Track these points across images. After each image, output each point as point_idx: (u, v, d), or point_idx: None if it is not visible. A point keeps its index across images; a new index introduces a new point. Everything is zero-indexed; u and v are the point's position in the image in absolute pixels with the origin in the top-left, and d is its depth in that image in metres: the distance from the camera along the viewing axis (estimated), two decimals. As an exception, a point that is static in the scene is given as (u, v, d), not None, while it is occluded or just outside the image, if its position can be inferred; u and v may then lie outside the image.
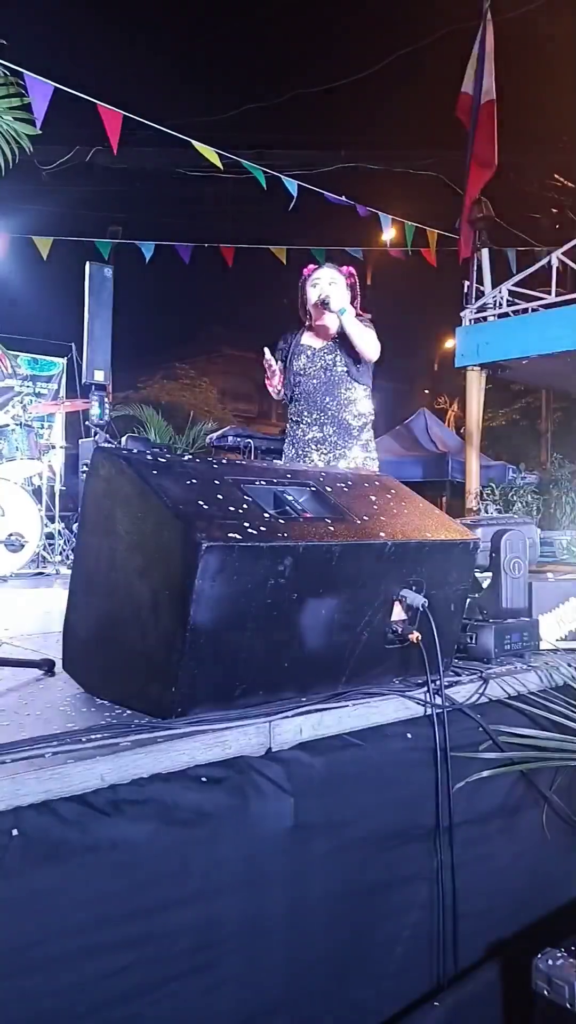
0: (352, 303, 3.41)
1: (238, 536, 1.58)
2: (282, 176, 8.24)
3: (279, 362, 3.46)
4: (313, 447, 3.38)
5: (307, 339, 3.47)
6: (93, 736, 1.45)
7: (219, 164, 7.26)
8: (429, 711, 1.83)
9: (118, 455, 1.77)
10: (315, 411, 3.38)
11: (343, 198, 8.90)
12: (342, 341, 3.38)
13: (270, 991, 1.46)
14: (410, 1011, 1.63)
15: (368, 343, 3.33)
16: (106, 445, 6.67)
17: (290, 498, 1.91)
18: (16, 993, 1.16)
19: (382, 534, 1.85)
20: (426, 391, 26.68)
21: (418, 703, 1.84)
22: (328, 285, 3.40)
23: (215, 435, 9.83)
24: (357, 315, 3.36)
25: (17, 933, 1.17)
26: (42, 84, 5.29)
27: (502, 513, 7.16)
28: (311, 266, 3.54)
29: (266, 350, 3.45)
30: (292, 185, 8.25)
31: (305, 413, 3.41)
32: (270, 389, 3.53)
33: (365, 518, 1.91)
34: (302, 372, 3.42)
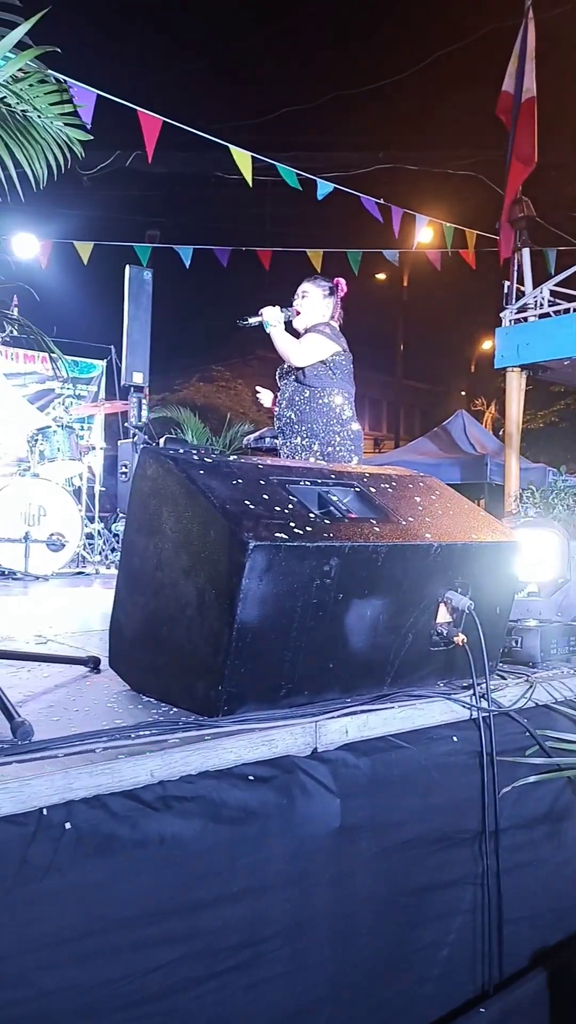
0: (332, 313, 3.57)
1: (284, 536, 1.58)
2: (317, 179, 8.24)
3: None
4: (286, 455, 3.50)
5: None
6: (142, 732, 1.47)
7: (248, 176, 7.26)
8: (475, 714, 1.81)
9: (165, 455, 1.79)
10: (277, 421, 3.55)
11: (378, 201, 8.86)
12: None
13: (313, 990, 1.46)
14: (455, 1016, 1.62)
15: (290, 351, 3.43)
16: (148, 446, 6.74)
17: (334, 498, 1.91)
18: (66, 983, 1.18)
19: (428, 535, 1.84)
20: (463, 393, 26.47)
21: (464, 706, 1.82)
22: (301, 298, 3.56)
23: (252, 436, 9.83)
24: (315, 325, 3.47)
25: (68, 924, 1.19)
26: (86, 92, 5.38)
27: (542, 516, 7.05)
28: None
29: (258, 390, 3.80)
30: (326, 187, 8.24)
31: (275, 422, 3.58)
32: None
33: (410, 519, 1.90)
34: (278, 384, 3.60)
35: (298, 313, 3.56)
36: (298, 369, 3.45)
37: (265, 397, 3.80)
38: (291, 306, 3.58)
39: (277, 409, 3.59)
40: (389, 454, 13.16)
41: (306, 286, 3.62)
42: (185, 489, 1.70)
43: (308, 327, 3.52)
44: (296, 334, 3.58)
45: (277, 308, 3.50)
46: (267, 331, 3.46)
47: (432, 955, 1.64)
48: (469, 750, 1.77)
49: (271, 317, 3.46)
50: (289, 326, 3.54)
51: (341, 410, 3.47)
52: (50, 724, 1.56)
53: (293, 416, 3.48)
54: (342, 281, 3.67)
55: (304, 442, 3.44)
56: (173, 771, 1.37)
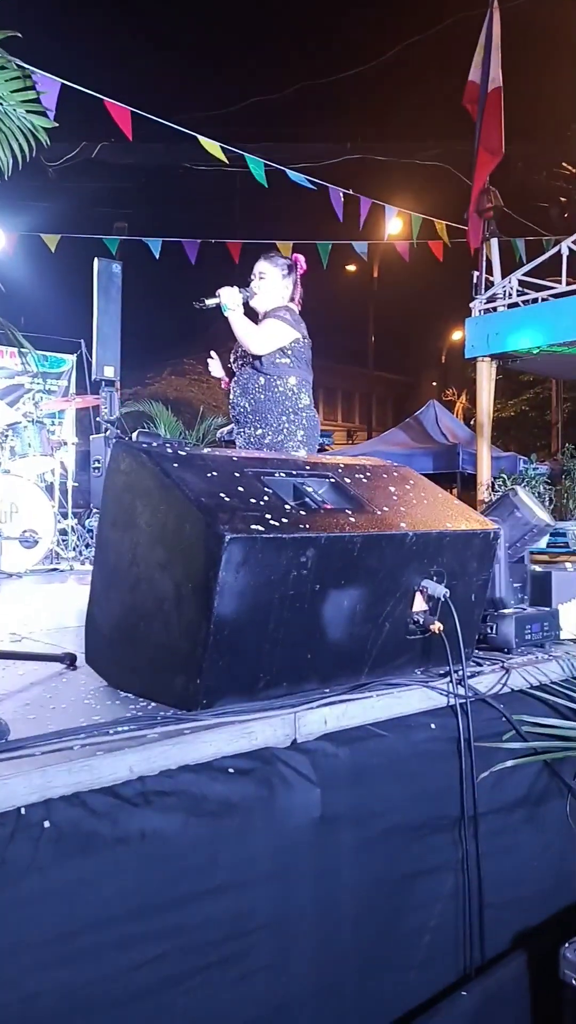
0: (291, 294, 3.40)
1: (260, 528, 1.58)
2: (286, 169, 8.21)
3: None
4: (240, 445, 3.35)
5: None
6: (120, 728, 1.45)
7: (223, 157, 7.24)
8: (452, 701, 1.83)
9: (138, 449, 1.77)
10: (231, 409, 3.38)
11: (347, 192, 8.85)
12: None
13: (299, 981, 1.46)
14: (438, 1000, 1.64)
15: (247, 338, 3.24)
16: (121, 440, 6.69)
17: (310, 489, 1.91)
18: (51, 985, 1.17)
19: (403, 525, 1.85)
20: (434, 383, 26.61)
21: (441, 693, 1.83)
22: (258, 279, 3.37)
23: (225, 430, 9.79)
24: (274, 309, 3.30)
25: (51, 925, 1.17)
26: (50, 80, 5.29)
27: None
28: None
29: (210, 358, 3.53)
30: (299, 179, 8.21)
31: (230, 408, 3.41)
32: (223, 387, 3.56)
33: (385, 509, 1.90)
34: (232, 370, 3.43)
35: (255, 295, 3.35)
36: (255, 356, 3.27)
37: (215, 367, 3.53)
38: (248, 286, 3.37)
39: (232, 397, 3.40)
40: (362, 445, 13.21)
41: (262, 265, 3.40)
42: (159, 482, 1.68)
43: (267, 311, 3.33)
44: (254, 317, 3.38)
45: (235, 289, 3.27)
46: (225, 314, 3.24)
47: (415, 942, 1.65)
48: (447, 737, 1.79)
49: (229, 299, 3.23)
50: (247, 308, 3.32)
51: (297, 399, 3.29)
52: (27, 722, 1.54)
53: (247, 405, 3.30)
54: (300, 258, 3.48)
55: (258, 432, 3.28)
56: (152, 766, 1.37)
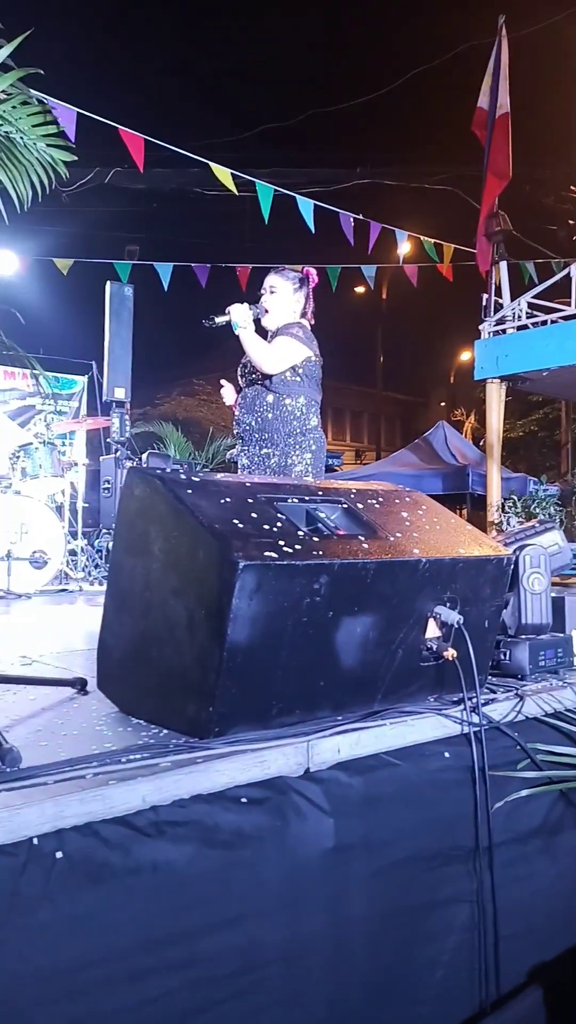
0: (304, 307, 3.32)
1: (274, 554, 1.58)
2: (296, 195, 8.30)
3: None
4: (244, 464, 3.26)
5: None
6: (132, 756, 1.45)
7: (233, 188, 7.31)
8: (466, 729, 1.81)
9: (152, 475, 1.78)
10: (236, 426, 3.28)
11: (356, 217, 8.93)
12: None
13: (312, 1014, 1.44)
14: (453, 1037, 1.61)
15: (260, 357, 3.13)
16: (129, 462, 6.72)
17: (322, 515, 1.91)
18: (61, 1019, 1.15)
19: (416, 551, 1.84)
20: (442, 403, 26.68)
21: (455, 721, 1.82)
22: (269, 293, 3.28)
23: (235, 451, 9.84)
24: (286, 325, 3.22)
25: (62, 957, 1.16)
26: (66, 110, 5.39)
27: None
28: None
29: (222, 384, 3.44)
30: (306, 205, 8.29)
31: (235, 426, 3.30)
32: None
33: (398, 535, 1.90)
34: (240, 385, 3.33)
35: (267, 311, 3.25)
36: (265, 375, 3.17)
37: (228, 394, 3.42)
38: (259, 302, 3.28)
39: (237, 412, 3.29)
40: (371, 466, 13.22)
41: (273, 280, 3.29)
42: (173, 508, 1.69)
43: (279, 327, 3.23)
44: (264, 334, 3.29)
45: (246, 306, 3.17)
46: (235, 332, 3.14)
47: (429, 975, 1.62)
48: (461, 765, 1.77)
49: (240, 317, 3.12)
50: (257, 324, 3.24)
51: (306, 419, 3.20)
52: (38, 749, 1.54)
53: (253, 423, 3.19)
54: (312, 271, 3.37)
55: (264, 451, 3.18)
56: (165, 795, 1.36)
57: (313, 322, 3.39)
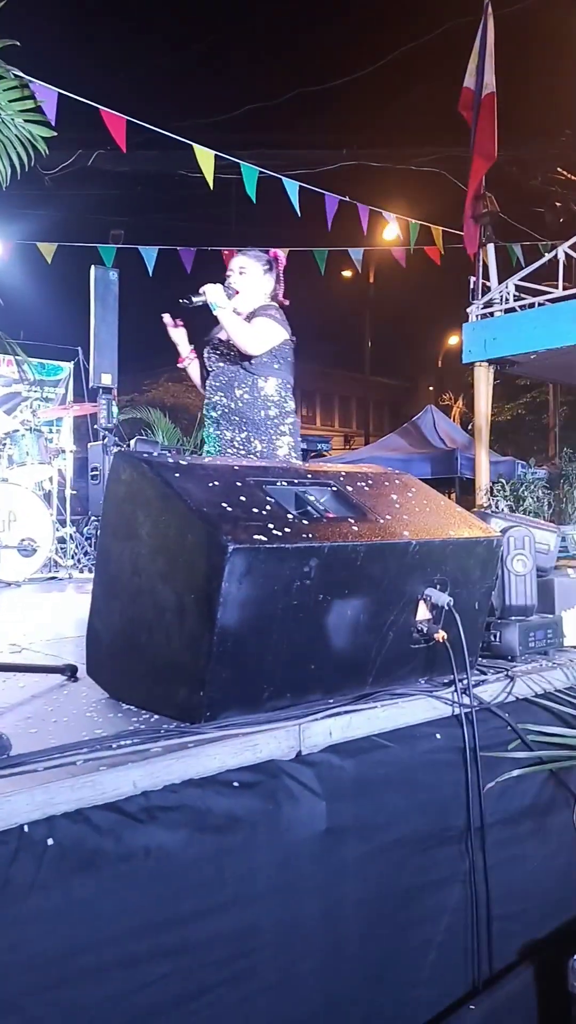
0: (275, 289, 3.25)
1: (263, 538, 1.56)
2: (282, 176, 8.22)
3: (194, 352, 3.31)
4: (220, 448, 3.18)
5: (220, 333, 3.25)
6: (123, 742, 1.44)
7: (210, 177, 7.17)
8: (457, 711, 1.81)
9: (139, 459, 1.76)
10: (211, 410, 3.20)
11: (343, 199, 8.87)
12: None
13: (306, 999, 1.44)
14: (446, 1015, 1.62)
15: (243, 338, 3.05)
16: (117, 448, 6.67)
17: (312, 498, 1.89)
18: (55, 1005, 1.15)
19: (406, 533, 1.83)
20: (431, 388, 26.67)
21: (446, 703, 1.82)
22: (239, 274, 3.21)
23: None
24: (263, 307, 3.16)
25: (55, 944, 1.16)
26: (47, 90, 5.29)
27: (513, 510, 7.12)
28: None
29: (165, 316, 3.29)
30: (292, 188, 8.21)
31: (207, 411, 3.23)
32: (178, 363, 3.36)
33: (388, 517, 1.89)
34: (207, 367, 3.25)
35: (236, 292, 3.16)
36: (244, 356, 3.10)
37: (180, 339, 3.28)
38: (226, 284, 3.18)
39: (210, 396, 3.20)
40: (360, 451, 13.21)
41: (242, 260, 3.21)
42: (161, 492, 1.67)
43: (254, 309, 3.16)
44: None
45: (220, 287, 3.09)
46: (214, 313, 3.06)
47: (422, 956, 1.63)
48: (452, 747, 1.77)
49: (216, 297, 3.05)
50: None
51: (284, 401, 3.16)
52: (28, 737, 1.53)
53: (232, 405, 3.12)
54: (280, 253, 3.30)
55: (243, 435, 3.12)
56: (156, 781, 1.35)
57: (287, 303, 3.32)
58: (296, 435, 3.25)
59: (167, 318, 3.31)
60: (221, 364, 3.19)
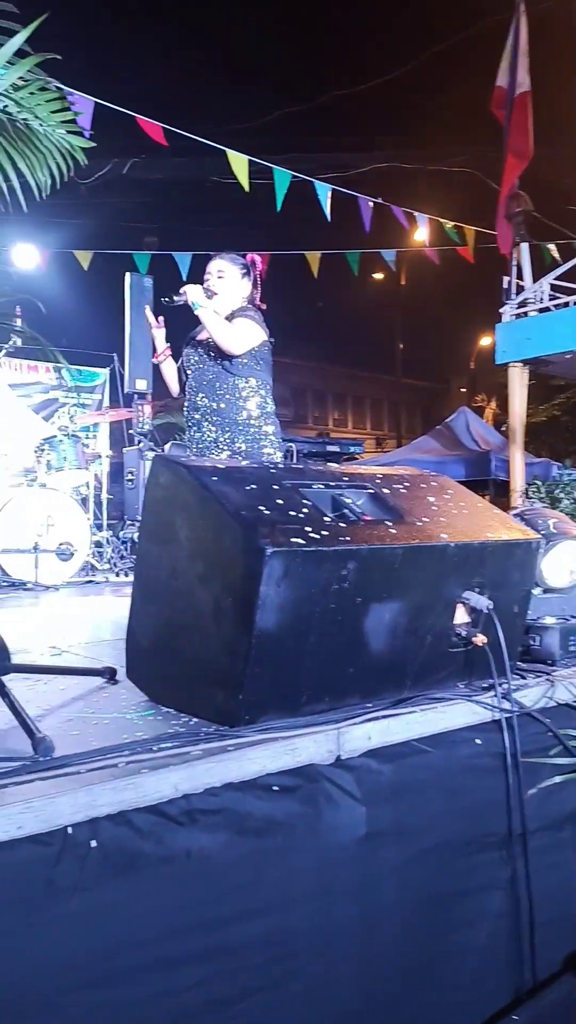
0: (252, 293, 3.26)
1: (301, 541, 1.56)
2: (314, 180, 8.23)
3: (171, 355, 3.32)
4: (202, 449, 3.17)
5: (201, 334, 3.27)
6: (163, 745, 1.45)
7: (245, 182, 7.22)
8: (497, 716, 1.79)
9: (177, 462, 1.77)
10: (193, 411, 3.20)
11: (376, 200, 8.84)
12: None
13: (345, 1004, 1.43)
14: (489, 1024, 1.60)
15: (225, 337, 3.07)
16: (152, 454, 6.73)
17: (348, 501, 1.89)
18: (96, 1005, 1.16)
19: (444, 535, 1.82)
20: (463, 389, 26.46)
21: (486, 708, 1.80)
22: (217, 278, 3.23)
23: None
24: (241, 308, 3.17)
25: (96, 945, 1.17)
26: (83, 100, 5.38)
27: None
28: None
29: (146, 308, 3.34)
30: (324, 192, 8.20)
31: (188, 412, 3.23)
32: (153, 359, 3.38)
33: (425, 520, 1.88)
34: (186, 368, 3.26)
35: (214, 294, 3.18)
36: (225, 356, 3.11)
37: (159, 338, 3.28)
38: (204, 287, 3.20)
39: (191, 397, 3.20)
40: (392, 453, 13.14)
41: (220, 264, 3.23)
42: (198, 496, 1.68)
43: (233, 310, 3.18)
44: None
45: (200, 287, 3.13)
46: (195, 312, 3.09)
47: (462, 963, 1.61)
48: (492, 752, 1.75)
49: (197, 297, 3.07)
50: None
51: (266, 402, 3.17)
52: (70, 738, 1.54)
53: (216, 405, 3.12)
54: (257, 258, 3.33)
55: (225, 435, 3.11)
56: (197, 784, 1.35)
57: (264, 307, 3.33)
58: (278, 435, 3.26)
59: (149, 314, 3.33)
60: (202, 365, 3.20)
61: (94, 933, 1.17)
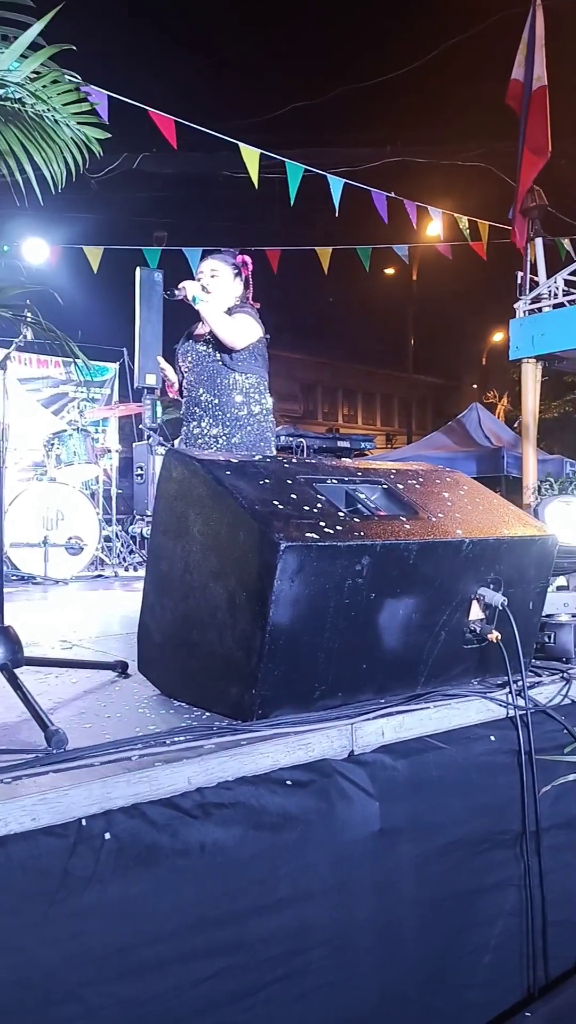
0: (244, 293, 3.28)
1: (315, 536, 1.56)
2: (327, 174, 8.19)
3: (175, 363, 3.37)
4: (201, 444, 3.17)
5: (199, 329, 3.29)
6: (177, 738, 1.44)
7: (254, 174, 7.21)
8: (512, 713, 1.78)
9: (191, 456, 1.77)
10: (193, 406, 3.21)
11: (389, 195, 8.80)
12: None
13: (361, 1000, 1.43)
14: (502, 1021, 1.59)
15: (227, 331, 3.09)
16: (162, 449, 6.73)
17: (362, 496, 1.88)
18: (111, 999, 1.16)
19: (459, 531, 1.81)
20: (474, 385, 26.33)
21: (500, 705, 1.79)
22: (210, 277, 3.24)
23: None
24: (238, 305, 3.19)
25: (112, 938, 1.17)
26: (97, 93, 5.36)
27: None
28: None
29: (160, 358, 3.44)
30: (337, 186, 8.17)
31: (188, 407, 3.24)
32: (170, 393, 3.44)
33: (440, 515, 1.87)
34: (185, 367, 3.27)
35: (209, 293, 3.20)
36: (225, 351, 3.13)
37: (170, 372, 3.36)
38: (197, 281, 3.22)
39: (189, 392, 3.23)
40: (403, 449, 13.11)
41: (213, 263, 3.26)
42: (212, 491, 1.67)
43: (229, 308, 3.19)
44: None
45: (197, 283, 3.16)
46: (195, 307, 3.12)
47: (477, 960, 1.61)
48: (507, 749, 1.74)
49: (197, 291, 3.12)
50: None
51: (263, 397, 3.20)
52: (83, 731, 1.55)
53: (214, 400, 3.14)
54: (248, 259, 3.35)
55: (225, 431, 3.13)
56: (211, 778, 1.35)
57: (257, 305, 3.34)
58: (273, 431, 3.29)
59: (165, 365, 3.42)
60: (202, 360, 3.22)
61: (112, 925, 1.17)
